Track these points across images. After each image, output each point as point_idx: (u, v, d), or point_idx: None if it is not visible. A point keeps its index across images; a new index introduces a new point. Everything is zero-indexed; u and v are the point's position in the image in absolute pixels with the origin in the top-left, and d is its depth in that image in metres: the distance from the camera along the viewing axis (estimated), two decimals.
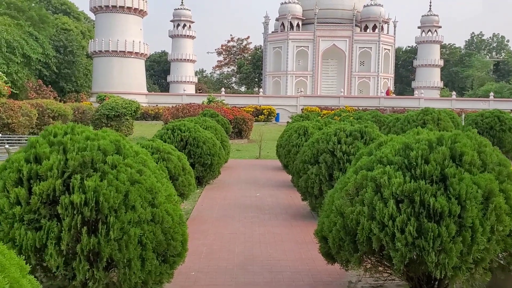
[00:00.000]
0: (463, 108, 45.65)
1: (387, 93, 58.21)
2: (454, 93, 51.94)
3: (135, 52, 47.97)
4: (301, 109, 44.62)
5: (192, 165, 9.76)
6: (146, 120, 41.11)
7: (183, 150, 9.67)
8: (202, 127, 12.26)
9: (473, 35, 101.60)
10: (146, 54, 49.91)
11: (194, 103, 25.15)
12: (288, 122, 26.62)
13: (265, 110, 42.00)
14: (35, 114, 21.23)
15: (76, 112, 25.54)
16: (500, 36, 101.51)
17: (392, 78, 67.62)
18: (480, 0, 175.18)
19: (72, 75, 56.54)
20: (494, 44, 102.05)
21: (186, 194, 7.08)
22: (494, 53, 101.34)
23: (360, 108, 45.02)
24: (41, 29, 52.68)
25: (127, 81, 47.32)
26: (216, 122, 14.30)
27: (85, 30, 63.32)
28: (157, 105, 43.60)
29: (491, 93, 49.62)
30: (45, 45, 48.15)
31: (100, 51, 48.00)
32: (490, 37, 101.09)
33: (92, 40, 50.48)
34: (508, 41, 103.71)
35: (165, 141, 9.69)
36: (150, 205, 3.89)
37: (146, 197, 3.90)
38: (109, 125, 24.31)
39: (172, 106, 25.62)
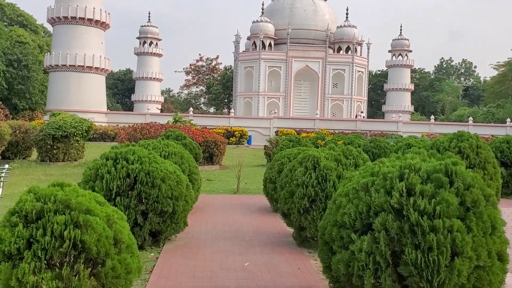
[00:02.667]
0: (442, 133, 43.76)
1: (356, 117, 56.30)
2: (432, 117, 50.22)
3: (95, 67, 44.07)
4: (275, 132, 41.67)
5: (144, 214, 6.41)
6: (105, 141, 37.21)
7: (130, 192, 6.31)
8: (163, 153, 8.92)
9: (442, 60, 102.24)
10: (107, 69, 46.07)
11: (156, 123, 21.63)
12: (265, 146, 23.46)
13: (237, 132, 38.76)
14: None
15: (17, 132, 21.58)
16: (468, 62, 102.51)
17: (365, 101, 65.87)
18: (448, 27, 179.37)
19: (27, 91, 52.11)
20: (463, 70, 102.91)
21: None
22: (462, 79, 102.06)
23: (336, 131, 42.54)
24: None
25: (85, 98, 43.27)
26: (183, 147, 10.96)
27: (43, 44, 59.07)
28: (117, 125, 39.76)
29: (470, 118, 48.13)
30: None
31: (57, 65, 43.89)
32: (459, 63, 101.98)
33: (48, 53, 46.37)
34: (476, 67, 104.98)
35: (101, 178, 6.32)
36: None
37: None
38: (55, 147, 20.54)
39: (129, 126, 22.05)
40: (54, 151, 20.51)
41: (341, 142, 20.05)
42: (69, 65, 43.49)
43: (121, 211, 6.29)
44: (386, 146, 14.55)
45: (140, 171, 6.38)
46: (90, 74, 44.11)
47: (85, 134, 21.25)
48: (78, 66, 43.48)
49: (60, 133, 20.36)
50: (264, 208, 9.94)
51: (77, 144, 21.05)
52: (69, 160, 20.87)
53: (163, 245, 6.61)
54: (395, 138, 27.14)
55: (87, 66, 43.68)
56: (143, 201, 6.32)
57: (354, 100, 61.98)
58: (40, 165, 19.69)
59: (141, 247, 6.43)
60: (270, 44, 61.32)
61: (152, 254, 6.23)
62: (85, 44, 43.46)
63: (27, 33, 56.13)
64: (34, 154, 22.16)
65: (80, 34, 43.65)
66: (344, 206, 4.02)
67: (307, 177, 6.39)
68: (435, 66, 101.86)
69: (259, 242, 6.89)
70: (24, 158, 21.40)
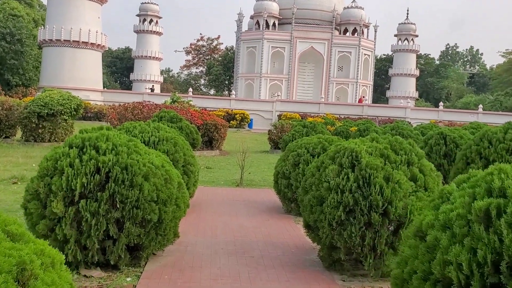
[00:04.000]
0: (451, 121, 42.08)
1: (360, 101, 54.35)
2: (441, 104, 48.37)
3: (91, 43, 42.00)
4: (278, 115, 39.87)
5: (120, 223, 4.71)
6: (100, 120, 35.44)
7: (100, 193, 4.59)
8: (151, 139, 7.20)
9: (448, 46, 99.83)
10: (104, 45, 43.99)
11: (150, 102, 19.83)
12: (269, 131, 21.73)
13: (238, 115, 36.95)
14: None
15: (0, 109, 19.84)
16: (475, 49, 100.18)
17: (371, 85, 63.97)
18: (454, 14, 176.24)
19: (20, 67, 50.13)
20: (469, 57, 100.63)
21: None
22: (468, 66, 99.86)
23: (342, 116, 40.83)
24: None
25: (80, 76, 41.28)
26: (178, 131, 9.25)
27: (38, 18, 56.78)
28: (113, 104, 37.93)
29: (480, 106, 46.32)
30: None
31: (51, 40, 41.81)
32: (466, 49, 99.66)
33: (42, 27, 44.25)
34: (482, 54, 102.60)
35: (61, 173, 4.60)
36: None
37: None
38: (40, 126, 18.78)
39: (120, 105, 20.27)
40: (40, 131, 18.77)
41: (354, 129, 18.32)
42: (64, 40, 41.44)
43: (88, 218, 4.62)
44: (410, 135, 12.84)
45: (115, 165, 4.66)
46: (85, 50, 42.09)
47: (74, 112, 19.47)
48: (73, 41, 41.44)
49: (46, 111, 18.58)
50: (274, 207, 8.25)
51: (65, 123, 19.28)
52: (56, 141, 19.14)
53: (145, 265, 4.92)
54: (405, 125, 25.48)
55: (82, 42, 41.64)
56: (118, 206, 4.61)
57: (359, 84, 60.07)
58: (23, 146, 17.98)
59: (114, 267, 4.76)
60: (274, 24, 59.14)
61: (129, 278, 4.55)
62: (80, 18, 41.34)
63: (22, 6, 53.89)
64: (19, 133, 20.45)
65: (76, 8, 41.51)
66: (445, 248, 2.31)
67: (342, 179, 4.67)
68: (441, 51, 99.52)
69: (273, 261, 5.21)
70: (7, 137, 19.69)
